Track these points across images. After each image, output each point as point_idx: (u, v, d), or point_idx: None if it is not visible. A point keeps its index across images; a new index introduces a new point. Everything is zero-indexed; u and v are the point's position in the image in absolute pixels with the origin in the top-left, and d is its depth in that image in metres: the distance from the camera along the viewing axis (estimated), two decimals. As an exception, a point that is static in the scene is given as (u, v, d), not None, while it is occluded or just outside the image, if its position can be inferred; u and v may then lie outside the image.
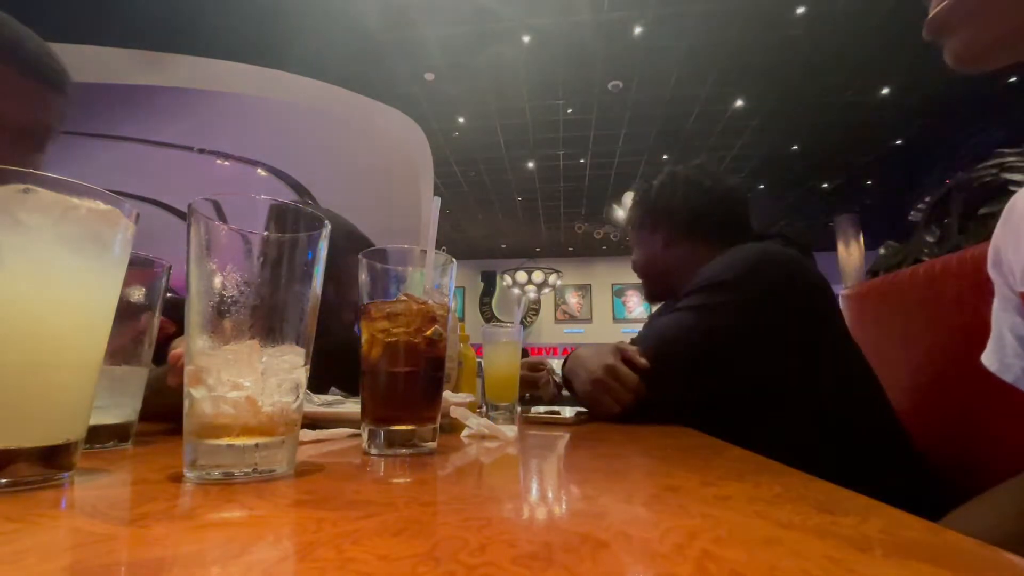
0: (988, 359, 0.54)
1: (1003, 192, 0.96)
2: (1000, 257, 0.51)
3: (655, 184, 1.08)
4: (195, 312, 0.32)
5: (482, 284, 12.07)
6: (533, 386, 1.16)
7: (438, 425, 0.48)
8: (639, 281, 1.15)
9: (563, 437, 0.62)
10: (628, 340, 0.90)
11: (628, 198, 1.21)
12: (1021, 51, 0.46)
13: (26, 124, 0.70)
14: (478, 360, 0.95)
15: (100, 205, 0.31)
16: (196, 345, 0.32)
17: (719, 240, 1.00)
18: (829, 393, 0.78)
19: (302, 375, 0.35)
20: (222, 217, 0.32)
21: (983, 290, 0.63)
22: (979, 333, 0.59)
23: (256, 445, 0.32)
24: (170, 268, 0.53)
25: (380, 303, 0.47)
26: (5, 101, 0.67)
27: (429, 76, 5.44)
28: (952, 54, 0.49)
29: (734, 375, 0.79)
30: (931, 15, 0.49)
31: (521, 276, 10.47)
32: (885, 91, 5.28)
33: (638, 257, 1.13)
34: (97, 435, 0.45)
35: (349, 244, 0.96)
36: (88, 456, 0.41)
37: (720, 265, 0.84)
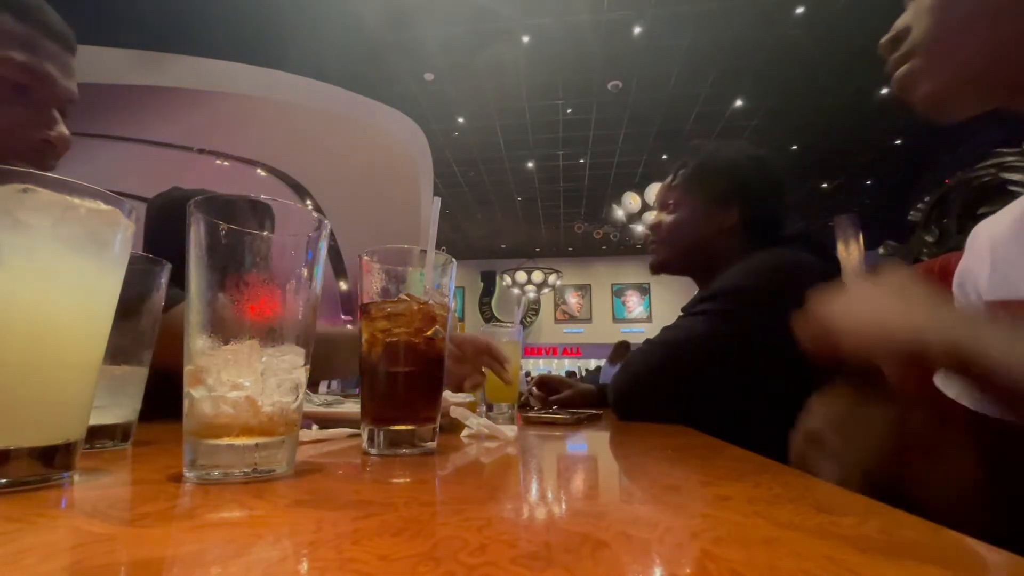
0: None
1: (1002, 192, 0.96)
2: (964, 279, 0.52)
3: (745, 159, 0.98)
4: (195, 312, 0.32)
5: (482, 284, 12.07)
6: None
7: (438, 425, 0.48)
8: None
9: (563, 437, 0.62)
10: (629, 340, 0.90)
11: (697, 153, 1.04)
12: (990, 99, 0.47)
13: (65, 91, 0.70)
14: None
15: (100, 205, 0.31)
16: (196, 345, 0.32)
17: (764, 238, 0.96)
18: None
19: (302, 375, 0.35)
20: (222, 216, 0.32)
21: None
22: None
23: (256, 445, 0.32)
24: (170, 268, 0.53)
25: (380, 303, 0.47)
26: (51, 68, 0.67)
27: (429, 76, 5.44)
28: (923, 107, 0.50)
29: (741, 381, 0.80)
30: (895, 75, 0.51)
31: (521, 276, 10.46)
32: (885, 91, 5.28)
33: (682, 220, 1.00)
34: (97, 435, 0.45)
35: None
36: (88, 456, 0.40)
37: (740, 272, 0.84)
